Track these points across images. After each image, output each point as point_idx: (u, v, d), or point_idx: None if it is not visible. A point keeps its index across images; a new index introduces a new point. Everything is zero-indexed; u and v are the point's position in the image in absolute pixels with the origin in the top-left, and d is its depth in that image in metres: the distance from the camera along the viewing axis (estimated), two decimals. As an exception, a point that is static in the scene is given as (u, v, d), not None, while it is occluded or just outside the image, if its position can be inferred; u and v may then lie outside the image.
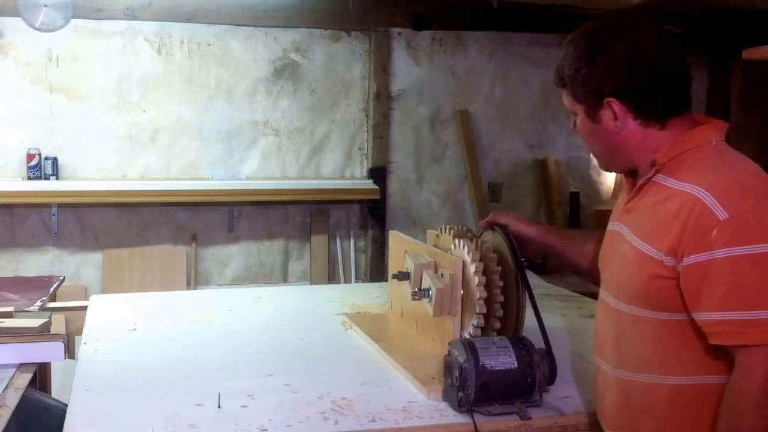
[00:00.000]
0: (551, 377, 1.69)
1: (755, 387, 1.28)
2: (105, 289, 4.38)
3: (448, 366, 1.68)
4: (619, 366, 1.49)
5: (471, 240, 1.93)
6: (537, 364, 1.66)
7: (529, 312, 1.80)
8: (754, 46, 3.08)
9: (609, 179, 5.29)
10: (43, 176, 4.26)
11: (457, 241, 1.95)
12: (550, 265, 4.80)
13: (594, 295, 1.77)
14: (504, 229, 1.90)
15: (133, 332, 2.26)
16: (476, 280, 1.84)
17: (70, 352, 2.16)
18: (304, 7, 4.58)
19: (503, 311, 1.86)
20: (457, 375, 1.63)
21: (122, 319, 2.38)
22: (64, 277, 3.13)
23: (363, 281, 4.85)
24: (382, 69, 4.78)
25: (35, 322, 2.07)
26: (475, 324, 1.84)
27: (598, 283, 1.63)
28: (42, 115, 4.31)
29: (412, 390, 1.78)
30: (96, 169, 4.42)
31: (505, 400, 1.64)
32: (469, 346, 1.64)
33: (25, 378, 1.92)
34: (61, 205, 4.35)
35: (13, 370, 1.94)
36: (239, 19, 4.50)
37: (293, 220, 4.79)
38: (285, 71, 4.66)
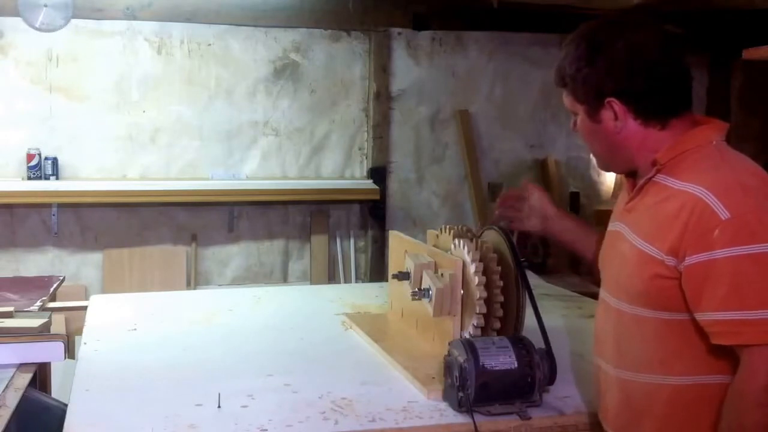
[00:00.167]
0: (551, 377, 1.69)
1: (758, 386, 1.28)
2: (105, 289, 4.37)
3: (448, 366, 1.68)
4: (619, 366, 1.49)
5: (471, 240, 1.93)
6: (537, 364, 1.66)
7: (529, 312, 1.80)
8: (754, 46, 3.08)
9: (609, 179, 5.28)
10: (43, 176, 4.25)
11: (457, 241, 1.95)
12: (550, 265, 4.81)
13: (594, 295, 1.77)
14: (504, 229, 1.90)
15: (133, 332, 2.26)
16: (476, 280, 1.84)
17: (70, 352, 2.16)
18: (304, 7, 4.58)
19: (503, 311, 1.86)
20: (457, 375, 1.63)
21: (122, 319, 2.38)
22: (64, 277, 3.13)
23: (363, 281, 4.85)
24: (382, 69, 4.77)
25: (35, 322, 2.07)
26: (475, 324, 1.84)
27: (598, 281, 1.63)
28: (42, 115, 4.31)
29: (412, 390, 1.78)
30: (96, 169, 4.42)
31: (505, 400, 1.64)
32: (469, 346, 1.64)
33: (25, 378, 1.91)
34: (61, 205, 4.35)
35: (13, 370, 1.94)
36: (239, 19, 4.50)
37: (293, 220, 4.78)
38: (285, 71, 4.66)
